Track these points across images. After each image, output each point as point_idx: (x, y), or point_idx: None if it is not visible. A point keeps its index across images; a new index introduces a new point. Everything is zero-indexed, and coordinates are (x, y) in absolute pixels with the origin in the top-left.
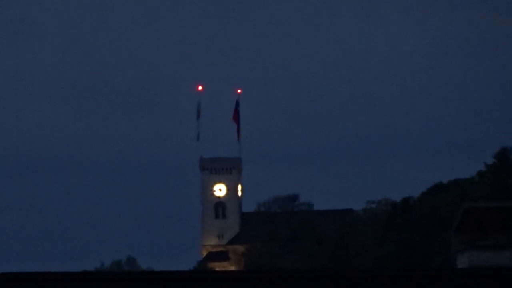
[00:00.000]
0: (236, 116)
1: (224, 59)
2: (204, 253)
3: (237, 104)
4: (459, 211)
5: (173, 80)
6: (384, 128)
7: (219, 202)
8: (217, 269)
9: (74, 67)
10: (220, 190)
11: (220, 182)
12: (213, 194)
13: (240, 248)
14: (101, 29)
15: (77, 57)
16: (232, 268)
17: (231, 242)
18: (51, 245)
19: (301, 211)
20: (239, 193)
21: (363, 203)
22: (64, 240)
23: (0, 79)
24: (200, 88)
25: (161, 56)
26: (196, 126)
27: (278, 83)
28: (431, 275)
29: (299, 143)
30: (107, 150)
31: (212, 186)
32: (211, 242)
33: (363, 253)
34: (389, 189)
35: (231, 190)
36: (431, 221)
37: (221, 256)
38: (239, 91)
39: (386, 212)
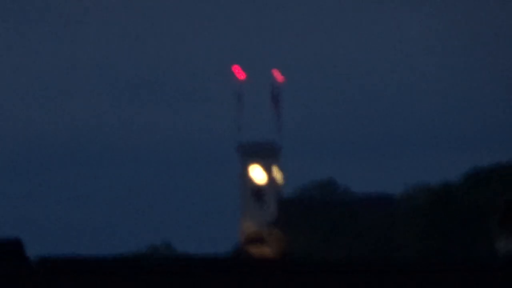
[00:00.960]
0: (277, 105)
1: (266, 46)
2: (243, 238)
3: (277, 92)
4: (502, 202)
5: (212, 67)
6: (425, 115)
7: (258, 187)
8: (255, 254)
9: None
10: (258, 175)
11: (260, 166)
12: (251, 179)
13: (279, 233)
14: (132, 18)
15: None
16: (271, 254)
17: (270, 227)
18: (89, 231)
19: (340, 198)
20: (278, 179)
21: (401, 187)
22: (103, 224)
23: (45, 73)
24: (241, 76)
25: (200, 44)
26: (237, 117)
27: (322, 70)
28: (476, 269)
29: (341, 130)
30: (145, 140)
31: (251, 171)
32: (249, 228)
33: (405, 246)
34: (426, 173)
35: (270, 175)
36: (473, 213)
37: (259, 240)
38: (281, 79)
39: (426, 199)
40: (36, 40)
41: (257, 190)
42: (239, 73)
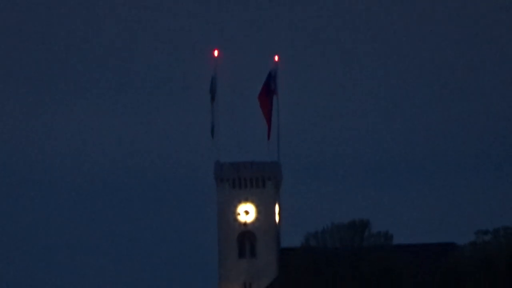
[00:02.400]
0: (267, 99)
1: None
2: None
3: (271, 77)
4: None
5: (178, 42)
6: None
7: (246, 232)
8: None
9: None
10: (247, 213)
11: (247, 200)
12: (236, 219)
13: None
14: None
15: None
16: None
17: None
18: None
19: (375, 245)
20: (277, 218)
21: (469, 235)
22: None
23: None
24: (216, 53)
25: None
26: (210, 114)
27: (331, 55)
28: None
29: (366, 144)
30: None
31: (235, 207)
32: None
33: None
34: (501, 214)
35: (264, 213)
36: None
37: None
38: (276, 58)
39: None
40: None
41: (245, 236)
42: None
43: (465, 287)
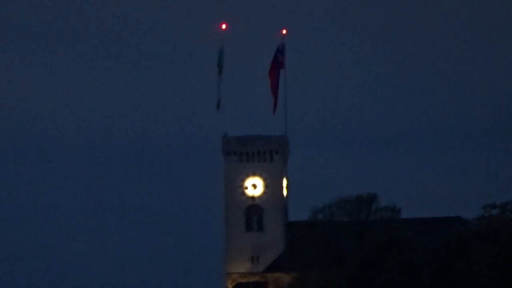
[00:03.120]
0: (275, 72)
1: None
2: (230, 286)
3: (279, 51)
4: None
5: (186, 15)
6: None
7: (253, 205)
8: None
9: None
10: (254, 186)
11: (254, 174)
12: (243, 193)
13: (285, 277)
14: None
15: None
16: None
17: (272, 268)
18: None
19: (382, 219)
20: (284, 192)
21: (476, 209)
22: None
23: None
24: (223, 26)
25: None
26: (217, 87)
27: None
28: None
29: (373, 118)
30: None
31: (242, 180)
32: (241, 268)
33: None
34: (509, 188)
35: (272, 187)
36: None
37: None
38: (284, 31)
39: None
40: None
41: (252, 209)
42: (222, 22)
43: (472, 261)
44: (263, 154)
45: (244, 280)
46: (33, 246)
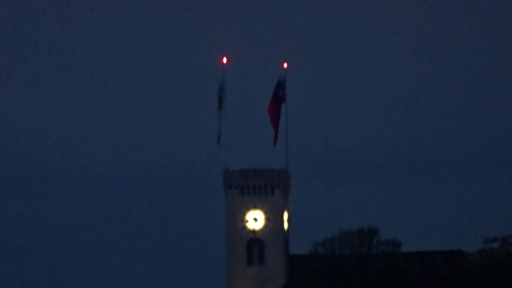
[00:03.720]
0: (275, 106)
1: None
2: None
3: (280, 84)
4: None
5: (187, 49)
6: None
7: (255, 239)
8: None
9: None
10: (255, 220)
11: (255, 208)
12: (244, 227)
13: None
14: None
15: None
16: None
17: None
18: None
19: (383, 252)
20: (285, 226)
21: (477, 242)
22: None
23: None
24: (224, 60)
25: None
26: (217, 121)
27: (339, 58)
28: None
29: (374, 151)
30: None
31: (244, 214)
32: None
33: None
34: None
35: (273, 220)
36: None
37: None
38: (285, 65)
39: None
40: None
41: (254, 243)
42: (224, 55)
43: None
44: (264, 187)
45: None
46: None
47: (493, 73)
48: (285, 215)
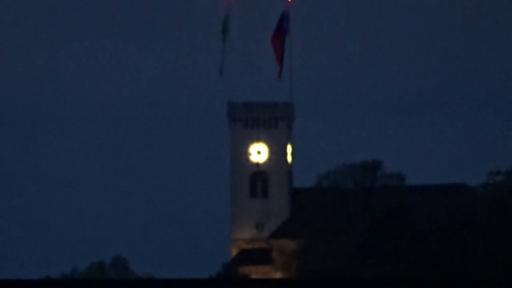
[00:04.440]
0: (279, 38)
1: None
2: (235, 252)
3: (284, 17)
4: None
5: None
6: None
7: (258, 172)
8: (253, 276)
9: None
10: (259, 153)
11: (259, 140)
12: (248, 160)
13: (289, 244)
14: None
15: None
16: (277, 275)
17: (276, 234)
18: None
19: (387, 186)
20: (289, 159)
21: (481, 175)
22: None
23: None
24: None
25: None
26: (220, 53)
27: None
28: None
29: (378, 85)
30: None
31: (247, 147)
32: (246, 235)
33: (484, 255)
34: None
35: (277, 153)
36: None
37: (260, 256)
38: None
39: None
40: None
41: (257, 175)
42: None
43: (477, 227)
44: (268, 120)
45: (249, 247)
46: (39, 211)
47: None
48: (289, 148)
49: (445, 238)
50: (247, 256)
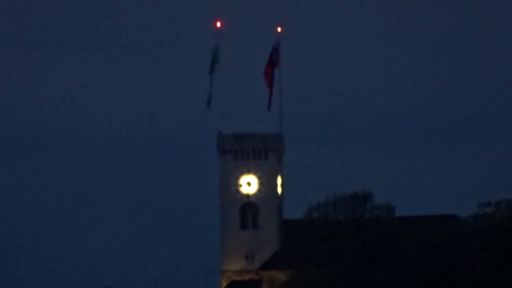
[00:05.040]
0: (270, 70)
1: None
2: (225, 283)
3: (275, 49)
4: None
5: (181, 13)
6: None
7: (248, 203)
8: None
9: None
10: (249, 184)
11: (249, 172)
12: (238, 191)
13: (280, 275)
14: None
15: None
16: None
17: (267, 266)
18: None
19: (377, 217)
20: (279, 190)
21: (471, 207)
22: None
23: None
24: (219, 24)
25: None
26: (209, 85)
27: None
28: None
29: (367, 115)
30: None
31: (238, 178)
32: (236, 266)
33: (475, 285)
34: (504, 187)
35: (267, 184)
36: None
37: (250, 287)
38: (279, 29)
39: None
40: None
41: (247, 207)
42: (217, 19)
43: (466, 257)
44: (258, 152)
45: (239, 278)
46: (33, 241)
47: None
48: (279, 180)
49: (436, 268)
50: None
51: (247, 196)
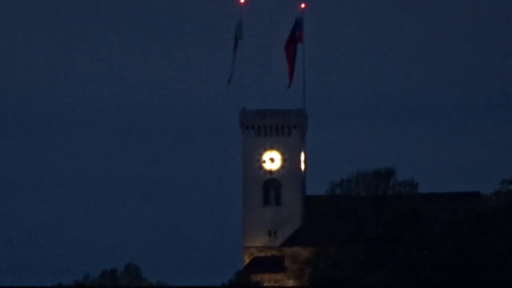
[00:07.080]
0: (291, 47)
1: None
2: (247, 260)
3: (298, 25)
4: None
5: None
6: None
7: (271, 179)
8: (266, 284)
9: None
10: (272, 160)
11: (272, 148)
12: (261, 167)
13: (302, 251)
14: None
15: None
16: (290, 283)
17: (289, 242)
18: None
19: (399, 194)
20: (302, 166)
21: (494, 184)
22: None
23: None
24: (242, 0)
25: None
26: (231, 61)
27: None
28: None
29: (392, 92)
30: (96, 100)
31: (260, 154)
32: (258, 242)
33: (497, 263)
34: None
35: (290, 161)
36: None
37: (273, 264)
38: (302, 5)
39: None
40: None
41: (270, 183)
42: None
43: (488, 234)
44: (281, 128)
45: (262, 254)
46: (52, 218)
47: None
48: (302, 156)
49: (458, 246)
50: (260, 264)
51: (270, 172)
